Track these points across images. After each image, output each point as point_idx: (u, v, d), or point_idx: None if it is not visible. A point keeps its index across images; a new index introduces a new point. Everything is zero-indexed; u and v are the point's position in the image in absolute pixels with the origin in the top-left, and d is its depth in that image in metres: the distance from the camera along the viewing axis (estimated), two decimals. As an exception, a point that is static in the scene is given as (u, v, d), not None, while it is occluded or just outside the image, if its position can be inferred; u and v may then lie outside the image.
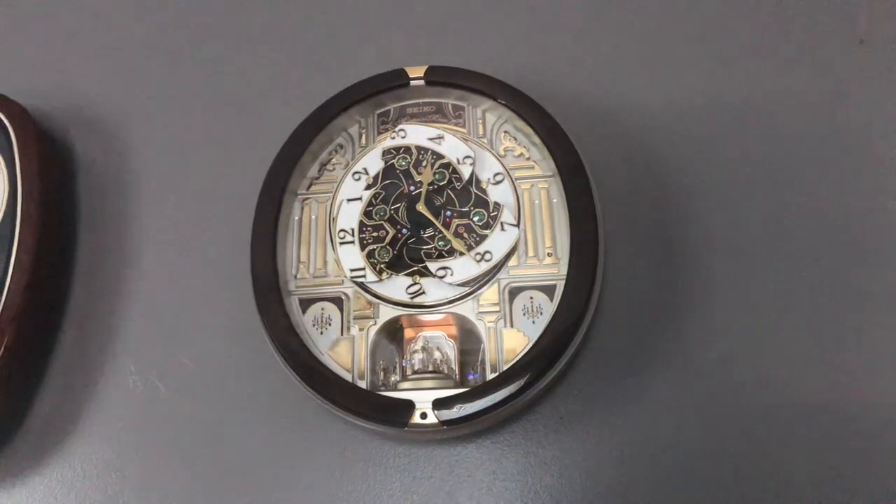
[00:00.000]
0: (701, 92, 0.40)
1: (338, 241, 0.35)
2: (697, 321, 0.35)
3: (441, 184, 0.36)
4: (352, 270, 0.35)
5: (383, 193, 0.36)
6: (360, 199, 0.36)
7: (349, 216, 0.36)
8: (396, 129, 0.37)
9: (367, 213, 0.36)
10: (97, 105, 0.44)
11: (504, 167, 0.36)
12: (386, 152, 0.37)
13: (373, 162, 0.37)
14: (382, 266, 0.35)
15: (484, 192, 0.36)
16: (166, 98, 0.44)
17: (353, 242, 0.35)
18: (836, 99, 0.39)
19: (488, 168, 0.36)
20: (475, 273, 0.34)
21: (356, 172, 0.37)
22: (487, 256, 0.34)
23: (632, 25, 0.42)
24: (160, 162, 0.42)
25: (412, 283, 0.34)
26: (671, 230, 0.37)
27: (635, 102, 0.40)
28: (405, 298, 0.34)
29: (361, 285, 0.34)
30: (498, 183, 0.36)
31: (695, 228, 0.37)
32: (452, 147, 0.37)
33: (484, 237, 0.35)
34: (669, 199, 0.37)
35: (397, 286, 0.34)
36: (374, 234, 0.35)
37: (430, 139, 0.37)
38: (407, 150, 0.37)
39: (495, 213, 0.35)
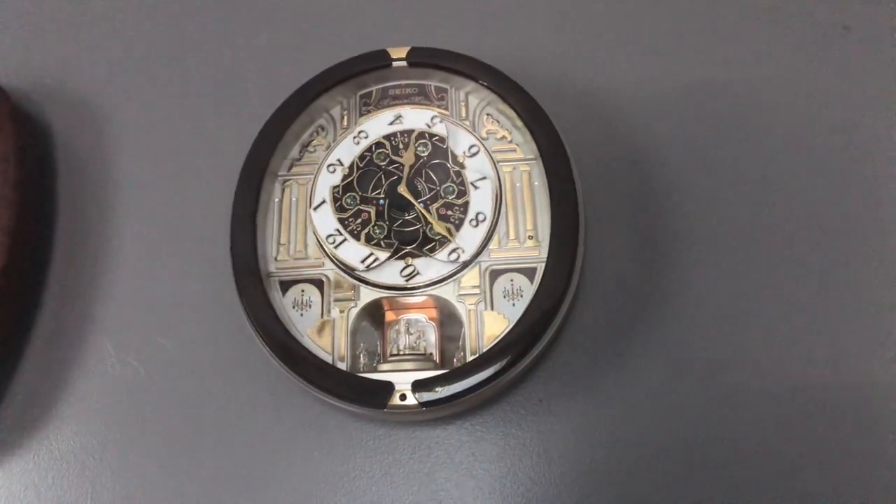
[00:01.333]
0: (684, 77, 0.40)
1: (331, 247, 0.34)
2: (677, 303, 0.35)
3: (424, 155, 0.36)
4: (363, 262, 0.34)
5: (349, 181, 0.36)
6: (323, 202, 0.35)
7: (325, 221, 0.35)
8: (357, 133, 0.37)
9: (338, 209, 0.35)
10: (75, 84, 0.44)
11: (479, 140, 0.36)
12: (360, 156, 0.36)
13: (346, 152, 0.37)
14: (383, 241, 0.34)
15: (461, 165, 0.36)
16: (146, 77, 0.43)
17: (346, 239, 0.35)
18: (821, 85, 0.39)
19: (463, 142, 0.36)
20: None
21: (330, 165, 0.36)
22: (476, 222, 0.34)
23: (617, 9, 0.42)
24: (139, 142, 0.42)
25: (405, 265, 0.34)
26: (652, 213, 0.37)
27: (618, 86, 0.40)
28: (400, 282, 0.34)
29: (345, 269, 0.34)
30: (473, 155, 0.36)
31: (676, 212, 0.37)
32: (415, 118, 0.37)
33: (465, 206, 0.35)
34: (651, 183, 0.38)
35: (392, 270, 0.34)
36: (358, 220, 0.35)
37: (390, 123, 0.37)
38: (379, 144, 0.37)
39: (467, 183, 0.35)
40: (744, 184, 0.37)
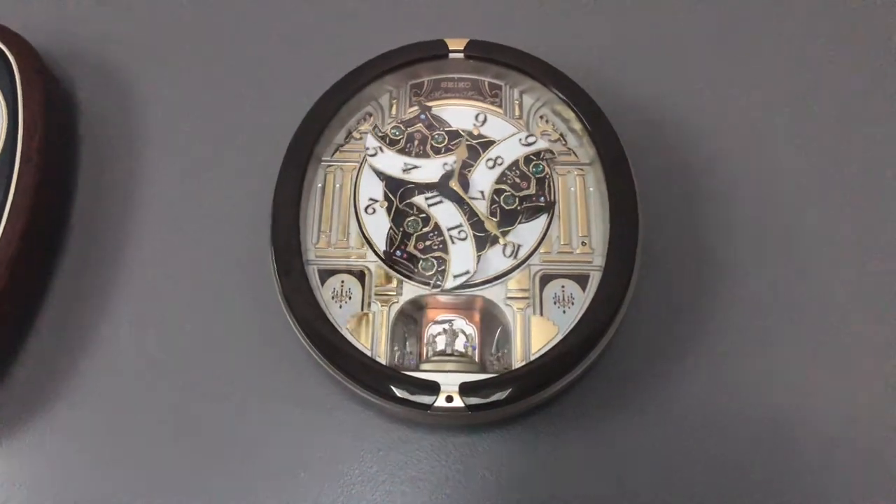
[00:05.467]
0: (743, 94, 0.39)
1: (452, 240, 0.33)
2: (729, 319, 0.34)
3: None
4: (449, 230, 0.33)
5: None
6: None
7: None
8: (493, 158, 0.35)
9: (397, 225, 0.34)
10: (107, 51, 0.42)
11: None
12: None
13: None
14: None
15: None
16: (185, 50, 0.42)
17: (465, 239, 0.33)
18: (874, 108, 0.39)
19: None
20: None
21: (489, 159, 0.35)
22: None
23: (685, 26, 0.42)
24: (172, 117, 0.40)
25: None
26: (703, 224, 0.36)
27: (674, 93, 0.39)
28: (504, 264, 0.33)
29: (388, 262, 0.33)
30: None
31: (731, 226, 0.36)
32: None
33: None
34: (703, 194, 0.37)
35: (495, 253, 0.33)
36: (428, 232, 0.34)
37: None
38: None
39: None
40: (798, 202, 0.37)
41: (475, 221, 0.34)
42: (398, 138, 0.35)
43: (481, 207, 0.34)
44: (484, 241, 0.33)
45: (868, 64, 0.40)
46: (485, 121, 0.36)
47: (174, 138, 0.40)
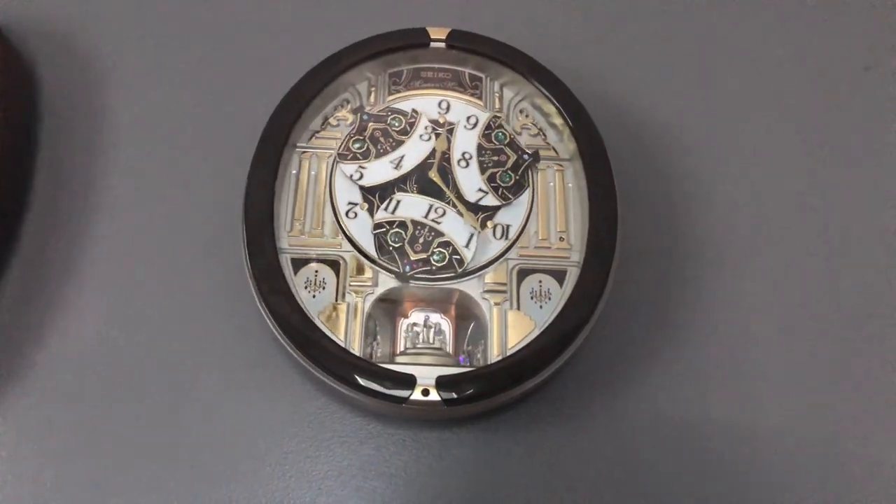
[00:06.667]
0: (724, 90, 0.40)
1: (436, 222, 0.33)
2: (709, 319, 0.35)
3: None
4: (426, 216, 0.33)
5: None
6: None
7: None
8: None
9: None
10: (72, 27, 0.40)
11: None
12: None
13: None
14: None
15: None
16: (156, 27, 0.40)
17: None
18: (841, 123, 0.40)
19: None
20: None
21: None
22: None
23: (669, 28, 0.42)
24: (142, 100, 0.39)
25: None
26: (682, 223, 0.37)
27: (657, 91, 0.40)
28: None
29: (363, 253, 0.32)
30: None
31: (708, 226, 0.36)
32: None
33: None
34: (683, 192, 0.37)
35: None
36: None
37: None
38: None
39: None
40: (773, 206, 0.37)
41: (449, 201, 0.33)
42: (364, 148, 0.34)
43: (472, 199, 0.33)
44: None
45: (850, 61, 0.41)
46: (448, 107, 0.36)
47: (143, 121, 0.38)
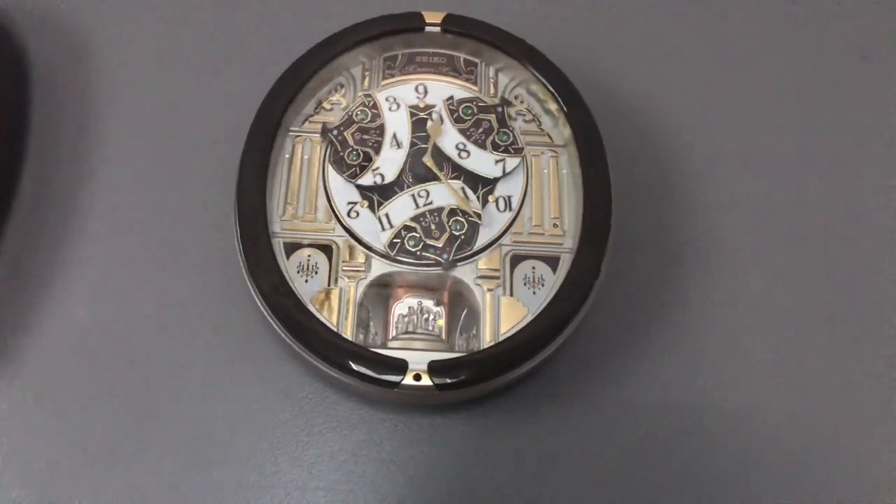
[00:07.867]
0: (721, 80, 0.40)
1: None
2: (702, 307, 0.35)
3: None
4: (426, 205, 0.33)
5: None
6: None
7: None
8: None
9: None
10: (63, 6, 0.40)
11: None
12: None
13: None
14: None
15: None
16: (149, 8, 0.40)
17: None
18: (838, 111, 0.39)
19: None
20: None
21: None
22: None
23: (669, 19, 0.42)
24: (134, 80, 0.38)
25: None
26: (677, 210, 0.37)
27: (653, 79, 0.39)
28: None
29: (355, 236, 0.32)
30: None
31: (702, 214, 0.36)
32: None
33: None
34: (678, 180, 0.37)
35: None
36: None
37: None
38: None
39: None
40: (768, 194, 0.37)
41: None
42: (358, 161, 0.34)
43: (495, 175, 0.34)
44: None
45: (847, 50, 0.41)
46: (426, 91, 0.35)
47: (135, 102, 0.38)
